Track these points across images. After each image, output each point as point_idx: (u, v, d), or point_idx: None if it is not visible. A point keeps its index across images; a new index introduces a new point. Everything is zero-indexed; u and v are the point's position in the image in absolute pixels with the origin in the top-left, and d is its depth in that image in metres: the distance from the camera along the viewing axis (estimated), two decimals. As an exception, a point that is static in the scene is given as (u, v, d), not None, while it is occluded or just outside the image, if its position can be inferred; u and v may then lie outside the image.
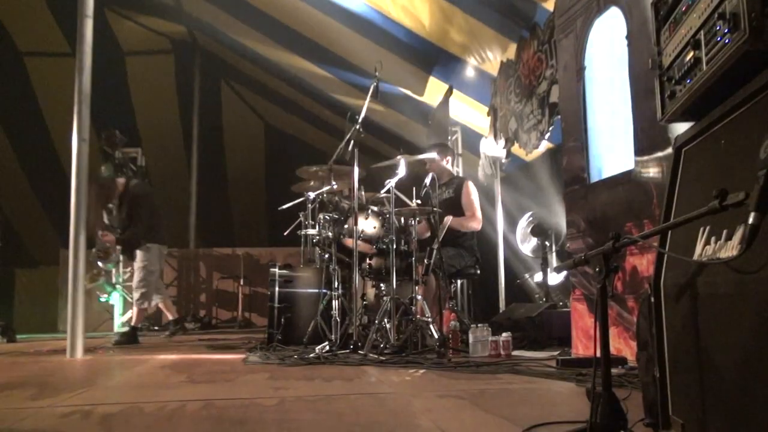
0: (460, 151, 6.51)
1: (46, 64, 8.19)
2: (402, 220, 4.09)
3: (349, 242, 3.99)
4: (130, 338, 5.18)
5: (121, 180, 5.40)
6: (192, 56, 9.39)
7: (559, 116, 3.89)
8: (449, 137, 6.21)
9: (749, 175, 1.01)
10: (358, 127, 3.92)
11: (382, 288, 4.12)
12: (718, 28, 1.12)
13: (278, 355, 3.64)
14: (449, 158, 4.90)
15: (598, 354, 1.31)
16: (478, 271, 4.63)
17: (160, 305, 5.69)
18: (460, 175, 6.13)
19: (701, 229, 1.19)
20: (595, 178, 3.33)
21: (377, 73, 4.04)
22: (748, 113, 1.12)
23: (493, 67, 5.58)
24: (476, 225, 4.61)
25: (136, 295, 5.32)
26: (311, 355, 3.49)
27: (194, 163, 9.80)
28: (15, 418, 1.90)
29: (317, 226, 4.32)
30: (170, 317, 5.80)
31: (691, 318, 1.21)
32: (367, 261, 4.06)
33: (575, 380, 2.44)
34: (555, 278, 4.99)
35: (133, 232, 5.35)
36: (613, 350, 2.78)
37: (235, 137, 10.59)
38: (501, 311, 5.46)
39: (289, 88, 8.44)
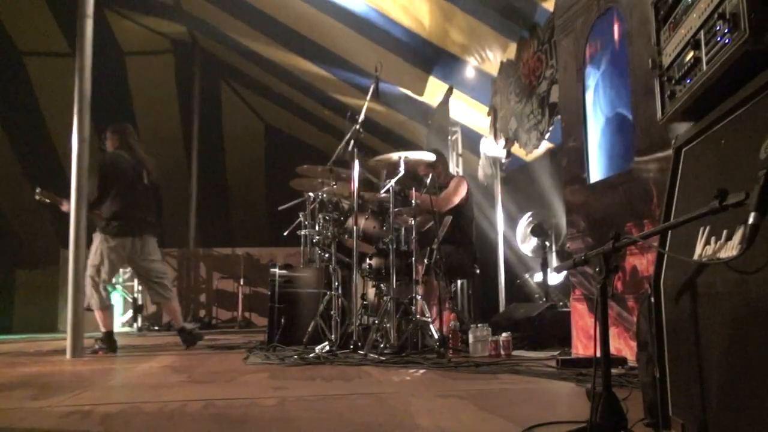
0: (460, 151, 6.50)
1: (46, 64, 8.19)
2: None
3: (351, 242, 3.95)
4: (188, 337, 4.63)
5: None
6: (192, 56, 9.39)
7: (559, 116, 3.89)
8: (449, 137, 6.21)
9: (749, 175, 1.01)
10: (358, 127, 3.92)
11: (382, 288, 4.12)
12: (718, 28, 1.12)
13: (278, 355, 3.65)
14: (440, 166, 4.52)
15: (598, 354, 1.31)
16: (478, 270, 4.63)
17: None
18: (460, 174, 6.11)
19: (701, 229, 1.19)
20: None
21: (377, 73, 4.04)
22: (748, 113, 1.12)
23: (493, 67, 5.58)
24: (442, 204, 4.30)
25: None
26: (311, 355, 3.49)
27: (194, 163, 9.80)
28: (15, 418, 1.91)
29: (317, 226, 4.31)
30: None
31: (691, 318, 1.21)
32: (367, 261, 4.06)
33: (575, 380, 2.44)
34: (555, 278, 4.99)
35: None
36: (613, 350, 2.78)
37: (235, 137, 10.60)
38: (501, 311, 5.46)
39: (289, 88, 8.44)
